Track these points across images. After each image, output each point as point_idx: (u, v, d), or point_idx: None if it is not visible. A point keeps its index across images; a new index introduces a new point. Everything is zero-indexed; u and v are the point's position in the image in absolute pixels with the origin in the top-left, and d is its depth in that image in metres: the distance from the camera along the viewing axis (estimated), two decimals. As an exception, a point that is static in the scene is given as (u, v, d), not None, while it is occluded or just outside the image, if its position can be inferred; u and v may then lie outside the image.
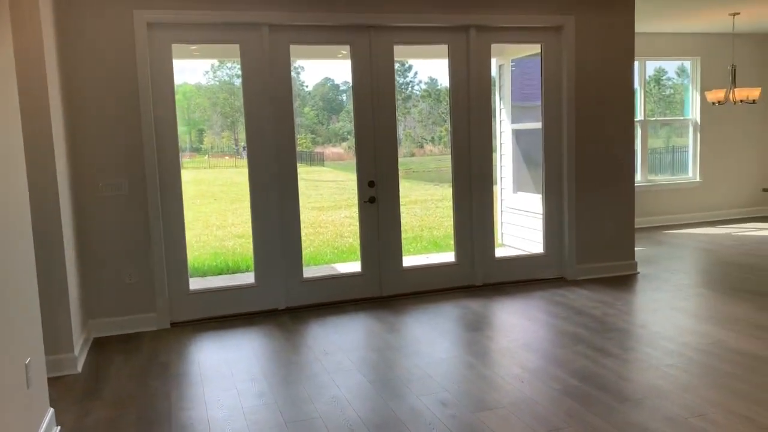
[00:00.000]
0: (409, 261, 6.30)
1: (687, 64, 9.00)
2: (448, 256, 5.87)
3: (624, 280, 5.75)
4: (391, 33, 5.26)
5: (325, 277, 5.45)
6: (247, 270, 6.84)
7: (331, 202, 13.78)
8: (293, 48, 5.06)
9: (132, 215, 4.70)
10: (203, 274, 6.94)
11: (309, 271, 6.32)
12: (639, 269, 6.09)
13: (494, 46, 5.66)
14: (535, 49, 5.90)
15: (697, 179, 9.04)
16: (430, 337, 4.38)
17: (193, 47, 6.31)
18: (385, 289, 5.42)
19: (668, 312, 4.72)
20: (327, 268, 6.70)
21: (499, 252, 6.12)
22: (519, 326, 4.56)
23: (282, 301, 5.15)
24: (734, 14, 7.17)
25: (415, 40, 5.39)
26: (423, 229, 10.09)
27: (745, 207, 9.30)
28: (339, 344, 4.30)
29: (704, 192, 9.07)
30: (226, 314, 5.01)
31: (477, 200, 5.60)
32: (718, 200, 9.16)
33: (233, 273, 6.96)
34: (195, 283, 5.27)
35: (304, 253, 5.27)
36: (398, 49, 5.49)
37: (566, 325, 4.52)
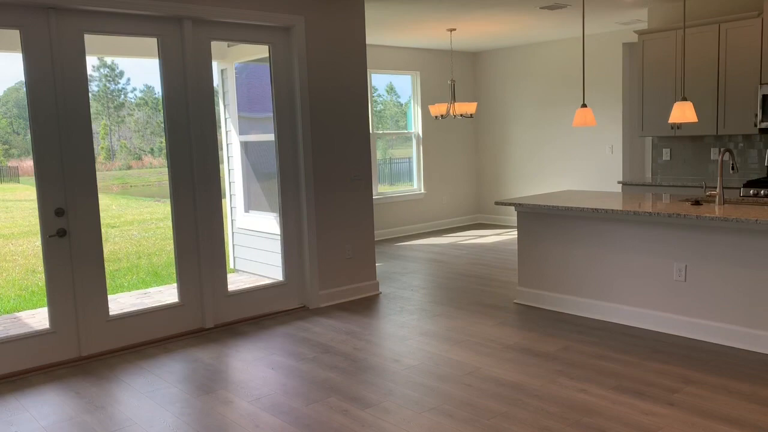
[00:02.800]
0: (120, 303, 5.13)
1: (396, 82, 9.17)
2: (171, 291, 4.86)
3: (368, 303, 5.36)
4: (80, 18, 4.10)
5: (-4, 340, 4.03)
6: None
7: (25, 227, 11.41)
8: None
9: None
10: None
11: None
12: (381, 288, 5.78)
13: (217, 48, 4.85)
14: (263, 52, 5.22)
15: (422, 190, 9.29)
16: (148, 411, 3.38)
17: None
18: (85, 347, 4.21)
19: (419, 339, 4.40)
20: (8, 321, 5.15)
21: (233, 281, 5.30)
22: (261, 379, 3.80)
23: (-76, 386, 3.65)
24: (451, 30, 7.38)
25: (112, 29, 4.30)
26: (141, 257, 8.73)
27: (464, 215, 9.85)
28: (12, 443, 3.06)
29: (428, 202, 9.36)
30: None
31: (204, 223, 4.71)
32: (440, 210, 9.53)
33: None
34: None
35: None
36: (98, 42, 4.35)
37: (316, 369, 3.90)
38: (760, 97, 5.55)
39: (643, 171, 8.34)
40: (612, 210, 4.32)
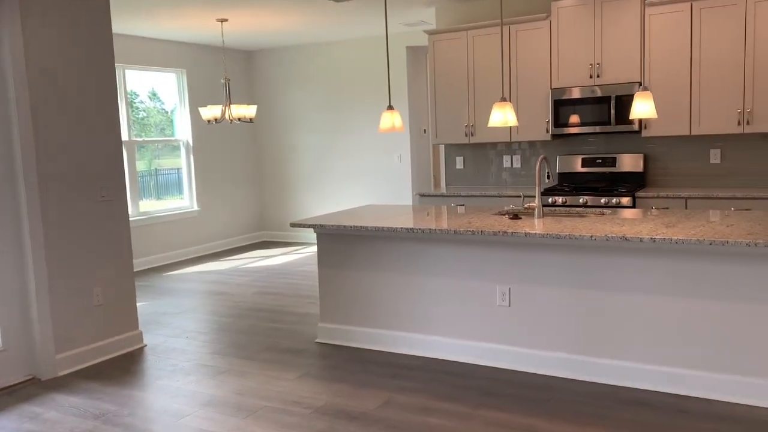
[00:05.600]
0: None
1: (160, 87, 7.83)
2: None
3: (128, 364, 4.09)
4: None
5: None
6: None
7: None
8: None
9: None
10: None
11: None
12: (146, 339, 4.53)
13: None
14: (-47, 25, 3.70)
15: (195, 207, 8.03)
16: None
17: None
18: None
19: (200, 413, 3.30)
20: None
21: None
22: None
23: None
24: (222, 20, 6.32)
25: None
26: None
27: (246, 233, 8.78)
28: None
29: (203, 220, 8.13)
30: None
31: None
32: (218, 229, 8.35)
33: None
34: None
35: None
36: None
37: (43, 490, 2.62)
38: (551, 103, 5.40)
39: (430, 179, 8.06)
40: (430, 230, 3.66)
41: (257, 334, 4.61)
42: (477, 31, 5.69)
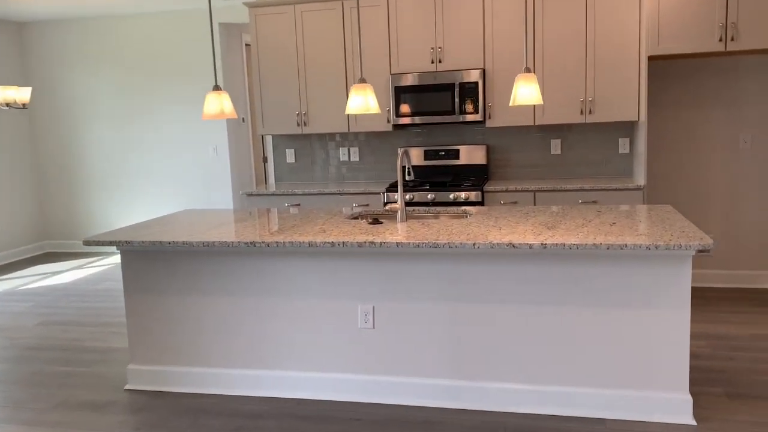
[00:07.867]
0: None
1: None
2: None
3: None
4: None
5: None
6: None
7: None
8: None
9: None
10: None
11: None
12: None
13: None
14: None
15: (-48, 215, 6.37)
16: None
17: None
18: None
19: None
20: None
21: None
22: None
23: None
24: (-22, -23, 4.91)
25: None
26: None
27: (23, 245, 7.21)
28: None
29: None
30: None
31: None
32: (-14, 241, 6.74)
33: None
34: None
35: None
36: None
37: None
38: (392, 90, 4.90)
39: (252, 175, 7.23)
40: (278, 243, 2.92)
41: (44, 385, 3.51)
42: (306, 5, 5.01)
